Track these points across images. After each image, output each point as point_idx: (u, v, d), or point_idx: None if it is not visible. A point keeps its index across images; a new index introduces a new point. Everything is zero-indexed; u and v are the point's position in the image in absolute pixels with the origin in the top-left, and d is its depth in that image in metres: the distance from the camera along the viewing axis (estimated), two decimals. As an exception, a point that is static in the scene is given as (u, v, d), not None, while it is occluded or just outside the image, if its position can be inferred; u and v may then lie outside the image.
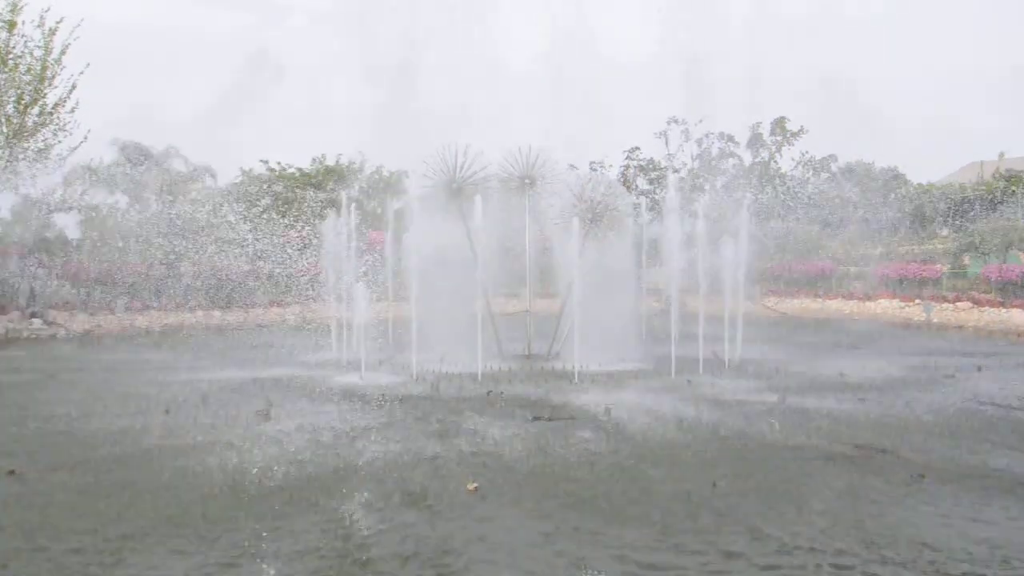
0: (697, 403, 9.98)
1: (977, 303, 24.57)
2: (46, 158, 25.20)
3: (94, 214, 27.76)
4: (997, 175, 44.57)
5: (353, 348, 13.64)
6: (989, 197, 38.68)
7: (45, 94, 24.46)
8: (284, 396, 10.57)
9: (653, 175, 35.15)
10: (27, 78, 24.06)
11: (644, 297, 19.22)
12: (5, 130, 24.12)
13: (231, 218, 28.00)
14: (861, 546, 5.13)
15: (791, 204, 34.93)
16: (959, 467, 6.98)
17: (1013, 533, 5.42)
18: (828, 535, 5.31)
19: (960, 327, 21.88)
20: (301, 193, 43.71)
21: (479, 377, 11.99)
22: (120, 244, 25.31)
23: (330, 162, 43.35)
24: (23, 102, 24.10)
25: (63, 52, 24.39)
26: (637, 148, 35.66)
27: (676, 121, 35.47)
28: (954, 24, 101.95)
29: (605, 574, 4.71)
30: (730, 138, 35.33)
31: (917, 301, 25.82)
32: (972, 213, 35.60)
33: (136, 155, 31.35)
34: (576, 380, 11.78)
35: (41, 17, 24.01)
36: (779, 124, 34.87)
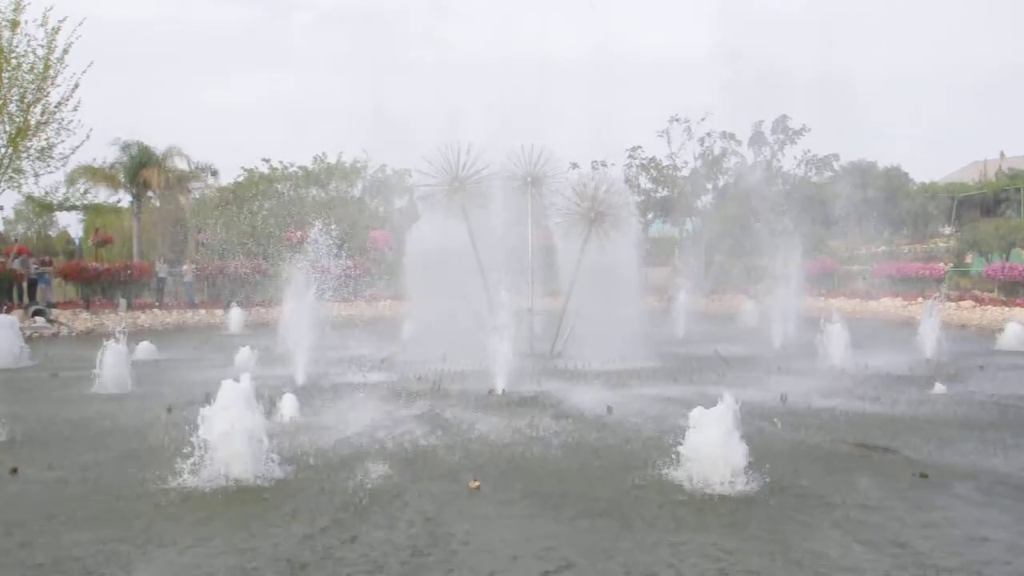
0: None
1: (980, 302, 24.52)
2: (49, 157, 25.24)
3: None
4: (999, 174, 44.46)
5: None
6: (992, 196, 38.62)
7: (48, 92, 24.49)
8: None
9: (655, 173, 35.07)
10: (30, 77, 24.08)
11: (646, 296, 19.25)
12: (8, 129, 24.14)
13: None
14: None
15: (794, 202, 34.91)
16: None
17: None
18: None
19: (963, 326, 21.84)
20: (304, 192, 43.64)
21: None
22: None
23: (331, 160, 43.25)
24: (26, 100, 24.12)
25: (66, 51, 24.40)
26: (639, 147, 35.59)
27: (678, 120, 35.40)
28: (952, 23, 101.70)
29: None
30: (732, 136, 35.22)
31: (920, 300, 25.78)
32: (975, 212, 35.55)
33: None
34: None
35: (44, 16, 24.06)
36: (781, 123, 34.77)
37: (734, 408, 6.16)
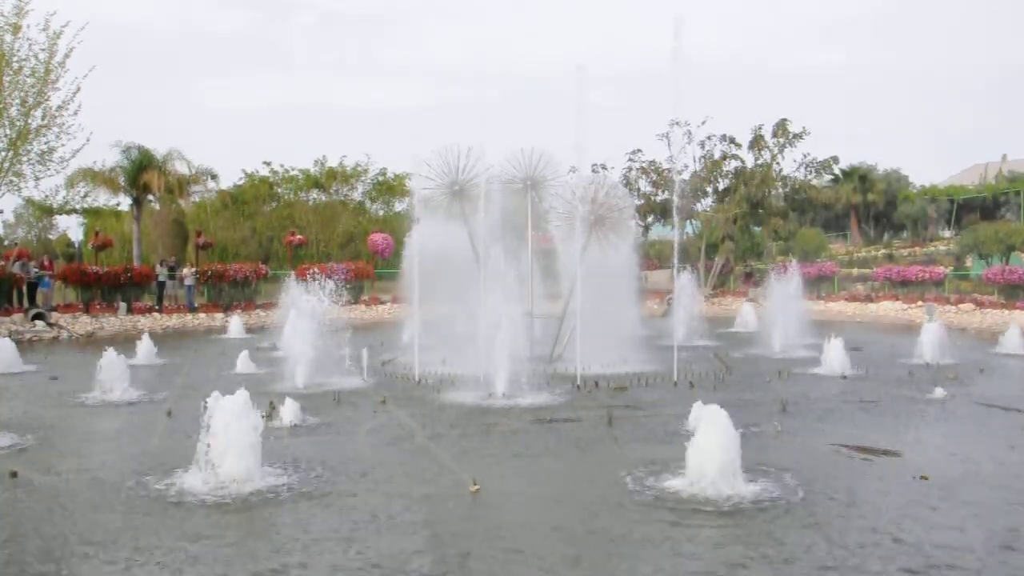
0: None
1: (980, 305, 24.50)
2: (49, 160, 25.21)
3: None
4: (999, 177, 44.54)
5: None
6: (992, 199, 38.65)
7: (48, 96, 24.47)
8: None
9: (655, 177, 35.02)
10: (31, 81, 24.07)
11: (646, 299, 19.23)
12: (9, 132, 24.12)
13: None
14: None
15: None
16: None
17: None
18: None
19: (963, 329, 21.81)
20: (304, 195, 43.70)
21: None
22: None
23: (332, 164, 43.37)
24: (27, 104, 24.11)
25: (67, 55, 24.39)
26: (639, 150, 35.52)
27: (679, 123, 35.36)
28: (953, 24, 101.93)
29: None
30: (732, 140, 35.16)
31: (920, 303, 25.78)
32: (975, 215, 35.55)
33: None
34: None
35: (46, 20, 24.06)
36: (781, 126, 34.71)
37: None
